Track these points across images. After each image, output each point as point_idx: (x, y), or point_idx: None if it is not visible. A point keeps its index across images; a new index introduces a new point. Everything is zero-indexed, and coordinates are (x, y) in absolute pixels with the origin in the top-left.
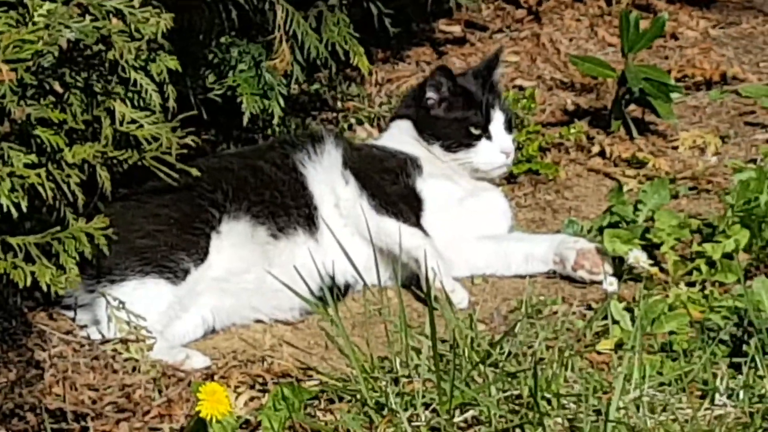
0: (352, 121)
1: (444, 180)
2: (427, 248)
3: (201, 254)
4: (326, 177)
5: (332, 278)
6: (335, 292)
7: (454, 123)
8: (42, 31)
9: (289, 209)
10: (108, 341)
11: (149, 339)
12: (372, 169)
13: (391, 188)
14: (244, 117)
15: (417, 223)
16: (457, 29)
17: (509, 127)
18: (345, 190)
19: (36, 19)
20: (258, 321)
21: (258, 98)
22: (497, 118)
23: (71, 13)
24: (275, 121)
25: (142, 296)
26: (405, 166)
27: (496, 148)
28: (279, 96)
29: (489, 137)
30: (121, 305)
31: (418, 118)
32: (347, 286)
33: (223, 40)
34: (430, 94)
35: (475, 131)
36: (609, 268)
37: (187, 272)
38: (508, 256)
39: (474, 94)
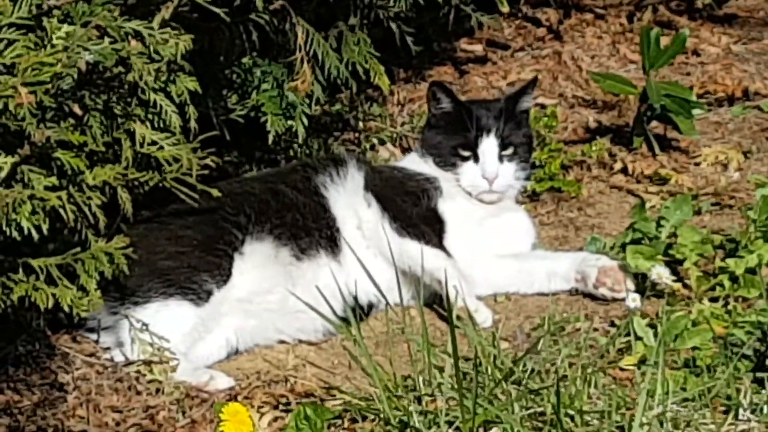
0: (374, 141)
1: (465, 200)
2: (449, 269)
3: (224, 275)
4: (348, 200)
5: (355, 298)
6: (358, 312)
7: (445, 140)
8: (61, 53)
9: (311, 231)
10: (131, 363)
11: (173, 360)
12: (393, 192)
13: (413, 210)
14: (269, 136)
15: (439, 245)
16: (478, 48)
17: (513, 157)
18: (367, 213)
19: (54, 41)
20: (281, 342)
21: (281, 118)
22: (489, 143)
23: (90, 35)
24: (299, 140)
25: (166, 318)
26: (426, 188)
27: (479, 172)
28: (302, 115)
29: (476, 160)
30: (144, 327)
31: (423, 133)
32: (370, 306)
33: (244, 60)
34: (432, 110)
35: (464, 152)
36: (631, 285)
37: (210, 294)
38: (531, 275)
39: (472, 114)
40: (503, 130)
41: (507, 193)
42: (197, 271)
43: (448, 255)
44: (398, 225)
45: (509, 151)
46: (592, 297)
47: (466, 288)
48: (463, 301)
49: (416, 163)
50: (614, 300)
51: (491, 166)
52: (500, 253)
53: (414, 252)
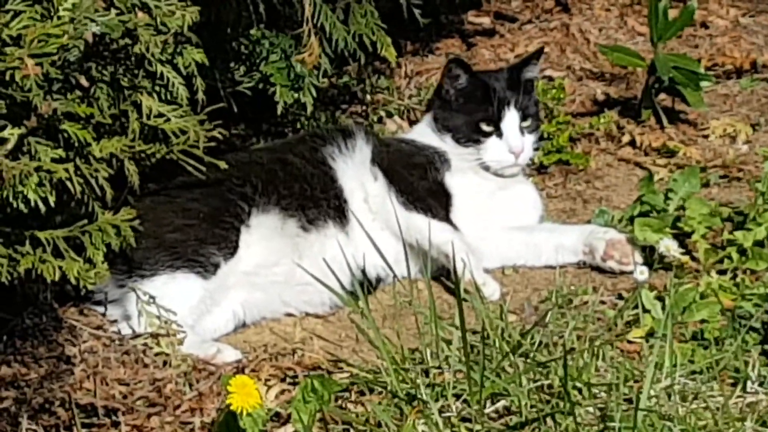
0: (382, 113)
1: (472, 173)
2: (456, 242)
3: (231, 248)
4: (356, 172)
5: (363, 271)
6: (366, 285)
7: (465, 117)
8: (67, 25)
9: (319, 201)
10: (138, 336)
11: (179, 333)
12: (400, 165)
13: (420, 183)
14: (278, 107)
15: (446, 218)
16: (486, 20)
17: (531, 128)
18: (374, 186)
19: (61, 13)
20: (288, 315)
21: (290, 90)
22: (511, 117)
23: (96, 7)
24: (307, 112)
25: (173, 291)
26: (433, 161)
27: (504, 147)
28: (311, 87)
29: (500, 135)
30: (151, 300)
31: (436, 110)
32: (378, 279)
33: (252, 32)
34: (446, 86)
35: (486, 128)
36: (639, 258)
37: (217, 266)
38: (539, 247)
39: (491, 89)
40: (521, 101)
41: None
42: (204, 244)
43: (455, 228)
44: (405, 198)
45: (528, 122)
46: (600, 270)
47: (474, 261)
48: (470, 274)
49: (425, 135)
50: (622, 273)
51: (517, 140)
52: (508, 226)
53: (421, 225)
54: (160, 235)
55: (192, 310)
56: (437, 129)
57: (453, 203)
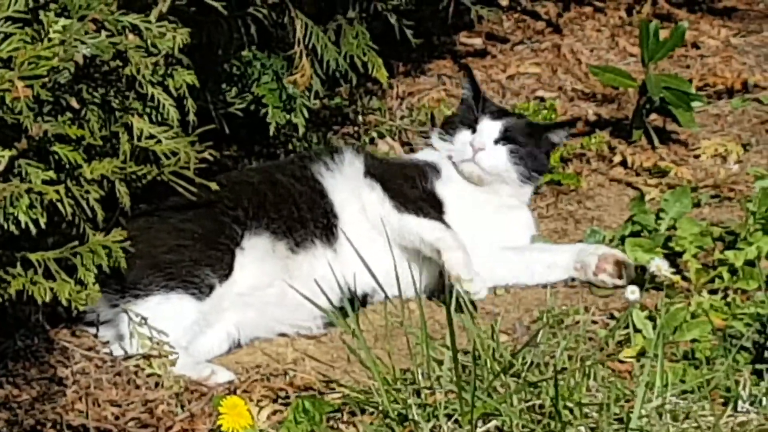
0: (374, 134)
1: (464, 183)
2: (447, 238)
3: (226, 270)
4: (348, 185)
5: (350, 289)
6: (356, 302)
7: (453, 116)
8: (57, 47)
9: (306, 222)
10: (131, 357)
11: (172, 354)
12: (393, 174)
13: (412, 191)
14: (270, 128)
15: (438, 218)
16: (478, 41)
17: (511, 150)
18: (370, 196)
19: (51, 35)
20: (282, 335)
21: (282, 111)
22: (490, 125)
23: (87, 29)
24: (299, 133)
25: (167, 312)
26: (424, 171)
27: (467, 139)
28: (303, 108)
29: (472, 131)
30: (143, 321)
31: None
32: (365, 296)
33: (243, 53)
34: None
35: (463, 124)
36: (631, 273)
37: (212, 288)
38: (530, 266)
39: (483, 99)
40: (514, 129)
41: (496, 180)
42: (199, 265)
43: (448, 227)
44: (397, 202)
45: (512, 146)
46: (591, 287)
47: (465, 257)
48: (458, 272)
49: (425, 153)
50: (614, 287)
51: (481, 137)
52: (499, 244)
53: (412, 225)
54: (154, 256)
55: (186, 331)
56: (439, 136)
57: (445, 211)
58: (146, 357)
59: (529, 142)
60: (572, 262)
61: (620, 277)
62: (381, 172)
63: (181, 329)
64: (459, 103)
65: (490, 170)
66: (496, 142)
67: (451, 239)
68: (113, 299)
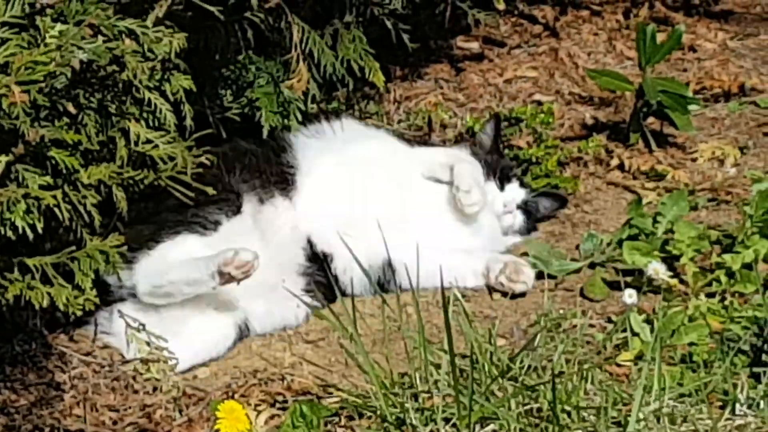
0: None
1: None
2: (460, 155)
3: (232, 207)
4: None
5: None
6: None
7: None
8: (54, 52)
9: (266, 174)
10: (129, 362)
11: (171, 360)
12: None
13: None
14: (263, 130)
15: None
16: (475, 45)
17: (523, 207)
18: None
19: (48, 40)
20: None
21: (277, 115)
22: (517, 192)
23: (83, 34)
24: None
25: (173, 255)
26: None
27: (498, 197)
28: (297, 111)
29: (500, 187)
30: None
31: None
32: (325, 255)
33: (240, 58)
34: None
35: (490, 175)
36: (530, 278)
37: (217, 223)
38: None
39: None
40: (530, 201)
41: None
42: (203, 206)
43: None
44: (407, 143)
45: (527, 216)
46: (586, 298)
47: (471, 170)
48: (464, 179)
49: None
50: (513, 294)
51: (511, 201)
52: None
53: (428, 152)
54: (160, 212)
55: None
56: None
57: None
58: (144, 362)
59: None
60: (482, 268)
61: (517, 281)
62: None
63: (182, 261)
64: (472, 139)
65: (505, 229)
66: (518, 206)
67: (462, 156)
68: (129, 258)
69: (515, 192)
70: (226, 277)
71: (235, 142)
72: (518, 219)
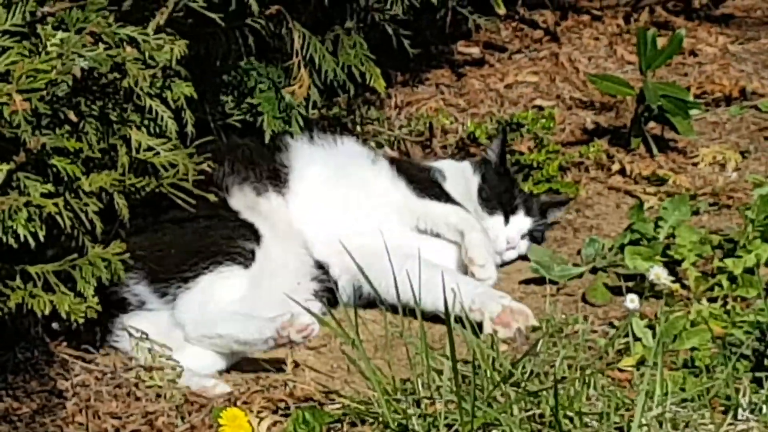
0: (372, 144)
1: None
2: (471, 220)
3: (256, 234)
4: (330, 158)
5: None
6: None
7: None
8: (55, 60)
9: (261, 168)
10: (131, 369)
11: (177, 367)
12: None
13: (427, 179)
14: (265, 135)
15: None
16: (475, 51)
17: (529, 234)
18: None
19: (49, 48)
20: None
21: (279, 121)
22: (522, 221)
23: (84, 42)
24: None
25: (221, 287)
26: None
27: (501, 232)
28: (298, 117)
29: (504, 219)
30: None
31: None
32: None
33: (242, 64)
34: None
35: (497, 206)
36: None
37: (253, 253)
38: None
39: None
40: (536, 228)
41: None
42: (232, 237)
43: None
44: (416, 188)
45: (530, 242)
46: (590, 304)
47: (483, 239)
48: (477, 251)
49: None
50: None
51: (514, 234)
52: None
53: (438, 209)
54: (186, 242)
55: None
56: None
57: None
58: (147, 369)
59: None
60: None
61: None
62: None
63: (235, 299)
64: (480, 161)
65: (505, 260)
66: (522, 236)
67: (474, 221)
68: (160, 288)
69: (520, 224)
70: (284, 341)
71: (230, 139)
72: (522, 247)
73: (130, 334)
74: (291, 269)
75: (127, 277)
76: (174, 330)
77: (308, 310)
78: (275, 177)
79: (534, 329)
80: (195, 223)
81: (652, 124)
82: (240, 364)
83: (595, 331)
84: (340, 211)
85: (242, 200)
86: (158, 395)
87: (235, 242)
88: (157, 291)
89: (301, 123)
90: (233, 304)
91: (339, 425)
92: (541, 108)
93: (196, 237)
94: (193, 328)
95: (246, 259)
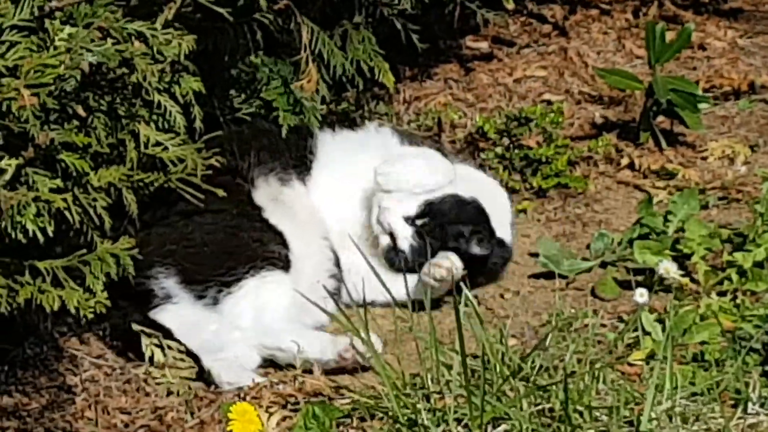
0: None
1: None
2: None
3: (284, 239)
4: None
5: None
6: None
7: None
8: (63, 55)
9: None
10: (141, 365)
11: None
12: None
13: None
14: (282, 130)
15: None
16: (484, 45)
17: None
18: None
19: (57, 43)
20: None
21: (291, 114)
22: None
23: (92, 37)
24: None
25: (268, 291)
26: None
27: None
28: (314, 110)
29: None
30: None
31: None
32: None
33: (251, 59)
34: None
35: None
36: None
37: (288, 259)
38: None
39: None
40: None
41: None
42: (267, 241)
43: None
44: None
45: None
46: (599, 298)
47: None
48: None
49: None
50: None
51: None
52: None
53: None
54: (220, 242)
55: (290, 306)
56: None
57: None
58: (158, 366)
59: None
60: None
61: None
62: None
63: (286, 305)
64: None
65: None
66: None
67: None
68: (196, 289)
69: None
70: (345, 363)
71: (255, 122)
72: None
73: (144, 333)
74: (314, 263)
75: (156, 270)
76: (204, 327)
77: (323, 310)
78: (301, 164)
79: (543, 324)
80: (222, 219)
81: (661, 118)
82: None
83: (604, 326)
84: (352, 205)
85: (267, 191)
86: (169, 391)
87: (269, 246)
88: (192, 291)
89: (319, 117)
90: (288, 311)
91: (348, 420)
92: (549, 102)
93: (227, 237)
94: (254, 335)
95: (284, 263)
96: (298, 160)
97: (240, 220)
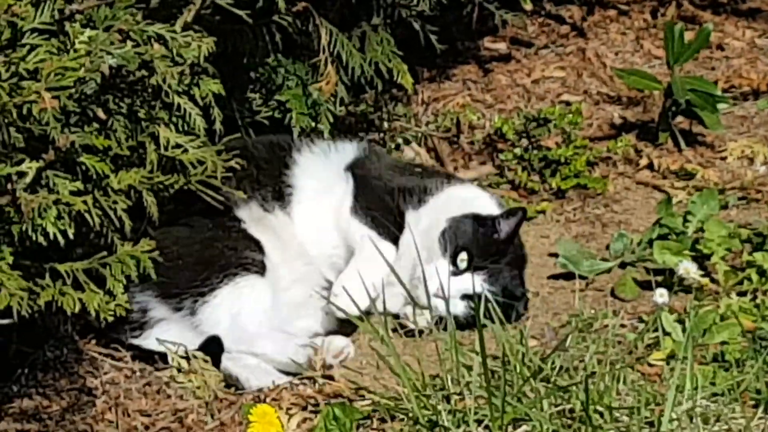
0: (399, 140)
1: None
2: (368, 248)
3: (259, 245)
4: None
5: None
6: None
7: None
8: (83, 58)
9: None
10: (162, 369)
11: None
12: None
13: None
14: (294, 131)
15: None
16: (502, 46)
17: None
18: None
19: (77, 46)
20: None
21: (307, 117)
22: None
23: (112, 40)
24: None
25: (244, 297)
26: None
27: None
28: (327, 113)
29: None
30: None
31: None
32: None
33: (269, 61)
34: None
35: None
36: None
37: (263, 264)
38: None
39: None
40: None
41: None
42: (241, 248)
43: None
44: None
45: None
46: (618, 298)
47: (357, 274)
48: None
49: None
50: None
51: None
52: None
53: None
54: (192, 254)
55: (267, 310)
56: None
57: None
58: (181, 371)
59: None
60: None
61: None
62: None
63: (262, 309)
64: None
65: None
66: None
67: (370, 251)
68: (173, 304)
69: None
70: (319, 365)
71: (245, 146)
72: (458, 307)
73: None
74: (304, 275)
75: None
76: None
77: (343, 311)
78: (280, 198)
79: (563, 325)
80: (198, 232)
81: (679, 118)
82: None
83: (624, 326)
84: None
85: (250, 215)
86: (193, 393)
87: (243, 253)
88: (169, 304)
89: (331, 119)
90: (266, 314)
91: (369, 421)
92: (568, 103)
93: (203, 248)
94: (232, 341)
95: (258, 268)
96: (278, 193)
97: (216, 232)
